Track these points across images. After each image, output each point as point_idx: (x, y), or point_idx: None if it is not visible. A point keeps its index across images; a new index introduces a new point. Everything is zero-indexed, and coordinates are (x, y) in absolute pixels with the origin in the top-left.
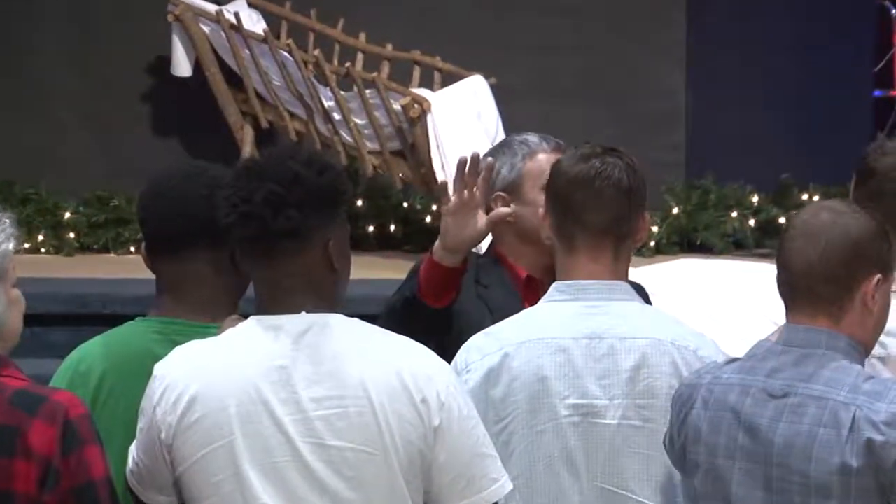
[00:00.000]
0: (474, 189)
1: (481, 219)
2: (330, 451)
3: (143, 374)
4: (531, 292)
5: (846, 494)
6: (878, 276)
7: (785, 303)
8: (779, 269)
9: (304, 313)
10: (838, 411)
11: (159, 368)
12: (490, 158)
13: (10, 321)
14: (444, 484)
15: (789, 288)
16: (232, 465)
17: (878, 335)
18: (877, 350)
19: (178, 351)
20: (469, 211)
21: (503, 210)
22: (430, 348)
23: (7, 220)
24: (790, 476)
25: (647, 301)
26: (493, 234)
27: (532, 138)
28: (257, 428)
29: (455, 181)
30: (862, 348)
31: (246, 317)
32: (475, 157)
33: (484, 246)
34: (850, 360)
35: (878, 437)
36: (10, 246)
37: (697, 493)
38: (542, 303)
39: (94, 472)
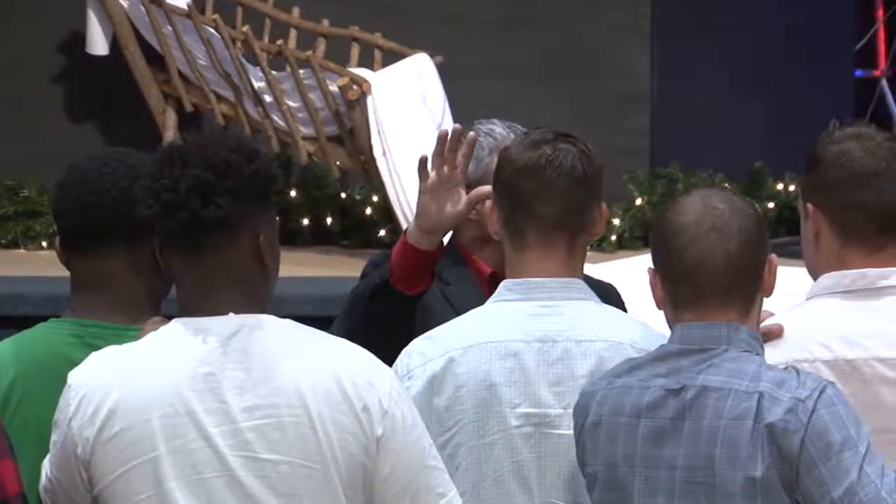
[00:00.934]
0: (454, 166)
1: (461, 198)
2: (264, 465)
3: (57, 381)
4: (496, 289)
5: (751, 493)
6: (773, 257)
7: (680, 302)
8: (683, 268)
9: (231, 315)
10: (741, 402)
11: (74, 377)
12: (473, 133)
13: None
14: (388, 499)
15: (696, 285)
16: (156, 482)
17: None
18: (821, 353)
19: (95, 357)
20: (448, 189)
21: (484, 189)
22: (403, 343)
23: None
24: (694, 477)
25: (620, 304)
26: (454, 231)
27: (497, 129)
28: (183, 441)
29: (434, 157)
30: (761, 338)
31: (169, 318)
32: (457, 131)
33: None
34: (751, 352)
35: (779, 424)
36: None
37: None
38: (490, 303)
39: (9, 488)
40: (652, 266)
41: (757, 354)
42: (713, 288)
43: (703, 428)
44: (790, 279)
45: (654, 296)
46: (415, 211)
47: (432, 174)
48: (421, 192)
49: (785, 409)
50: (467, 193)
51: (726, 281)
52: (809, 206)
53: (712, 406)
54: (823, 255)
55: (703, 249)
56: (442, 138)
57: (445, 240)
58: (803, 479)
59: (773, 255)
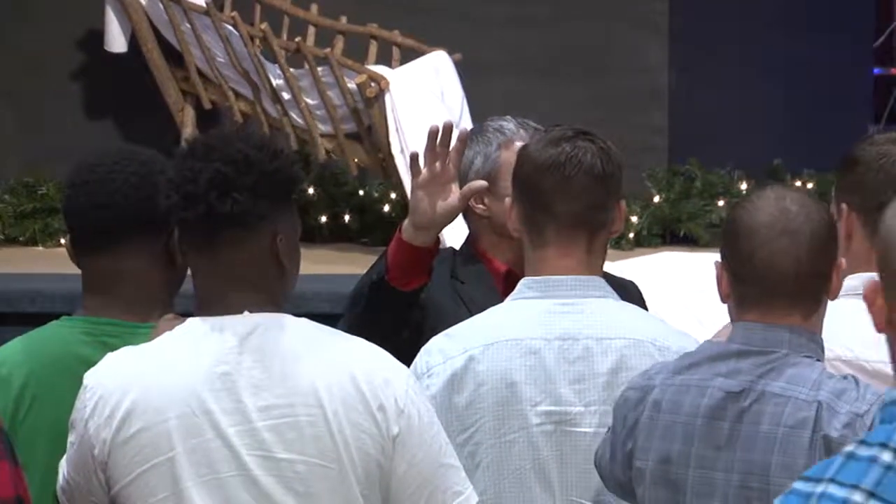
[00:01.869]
0: (447, 161)
1: (454, 194)
2: (280, 464)
3: (70, 379)
4: (511, 288)
5: None
6: (842, 261)
7: (745, 301)
8: (752, 269)
9: (247, 313)
10: (800, 410)
11: (90, 378)
12: (464, 127)
13: None
14: (404, 498)
15: (763, 288)
16: (173, 482)
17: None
18: (843, 352)
19: (111, 358)
20: (441, 185)
21: (478, 183)
22: (403, 341)
23: None
24: (749, 482)
25: (640, 301)
26: (469, 230)
27: (508, 125)
28: (200, 441)
29: (426, 152)
30: (822, 342)
31: (183, 315)
32: (447, 127)
33: (449, 240)
34: (813, 357)
35: (834, 435)
36: None
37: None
38: (510, 300)
39: (2, 491)
40: (720, 260)
41: (818, 360)
42: (780, 291)
43: (760, 434)
44: None
45: (718, 289)
46: None
47: (424, 170)
48: (413, 189)
49: (843, 423)
50: (477, 188)
51: (794, 286)
52: (844, 206)
53: (770, 412)
54: (853, 256)
55: (773, 253)
56: (433, 134)
57: (460, 239)
58: None
59: (842, 260)
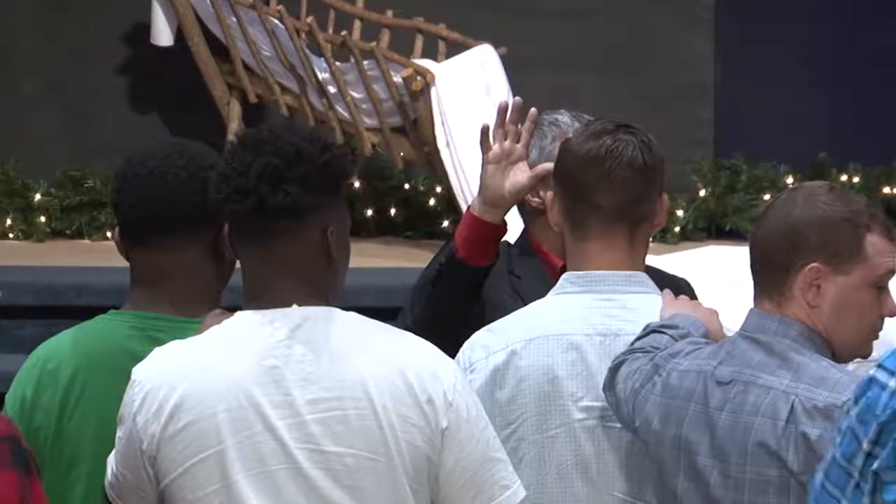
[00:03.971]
0: (517, 140)
1: (523, 172)
2: (328, 457)
3: (118, 373)
4: None
5: (784, 491)
6: (814, 265)
7: (754, 289)
8: (752, 257)
9: (295, 307)
10: (777, 400)
11: (138, 372)
12: (534, 110)
13: None
14: (453, 491)
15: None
16: (222, 475)
17: (858, 336)
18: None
19: (159, 352)
20: (510, 163)
21: (548, 165)
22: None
23: None
24: (728, 470)
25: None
26: (524, 224)
27: (563, 118)
28: (249, 434)
29: (495, 129)
30: (821, 339)
31: (230, 310)
32: (517, 104)
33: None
34: (802, 347)
35: (813, 432)
36: None
37: None
38: (552, 295)
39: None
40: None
41: (808, 351)
42: (753, 273)
43: (740, 422)
44: None
45: None
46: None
47: (495, 146)
48: (484, 164)
49: (820, 410)
50: (547, 170)
51: (756, 267)
52: None
53: (750, 403)
54: None
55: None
56: (502, 110)
57: (514, 234)
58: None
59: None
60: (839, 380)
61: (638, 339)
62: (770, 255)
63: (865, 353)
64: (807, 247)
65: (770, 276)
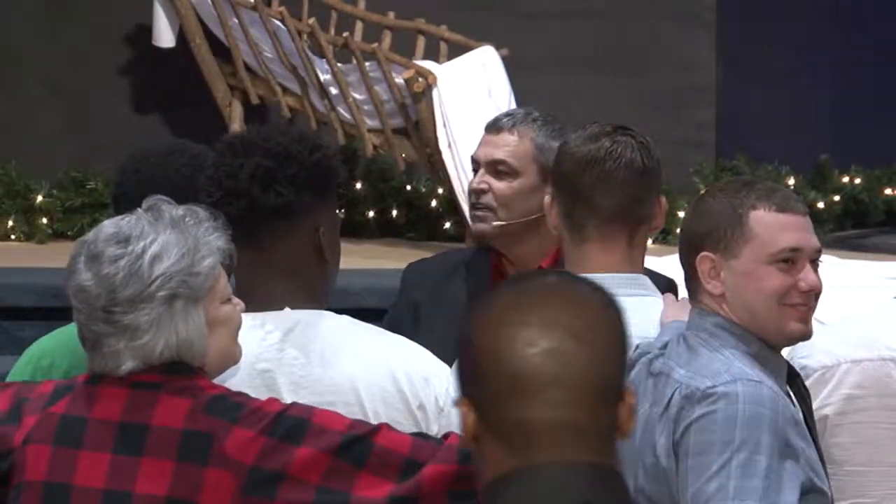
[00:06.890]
0: None
1: None
2: None
3: None
4: None
5: (660, 477)
6: (703, 254)
7: None
8: None
9: (287, 309)
10: (666, 388)
11: None
12: None
13: (211, 344)
14: None
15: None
16: None
17: (770, 316)
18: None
19: None
20: None
21: None
22: None
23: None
24: (636, 458)
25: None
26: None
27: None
28: None
29: None
30: (740, 328)
31: None
32: None
33: None
34: (713, 339)
35: (672, 409)
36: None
37: None
38: None
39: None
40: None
41: (717, 341)
42: (686, 278)
43: (643, 413)
44: (851, 272)
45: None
46: None
47: None
48: None
49: (690, 395)
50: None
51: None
52: None
53: (650, 392)
54: None
55: None
56: None
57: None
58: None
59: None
60: (717, 370)
61: None
62: (680, 254)
63: (798, 336)
64: (697, 239)
65: (686, 275)
